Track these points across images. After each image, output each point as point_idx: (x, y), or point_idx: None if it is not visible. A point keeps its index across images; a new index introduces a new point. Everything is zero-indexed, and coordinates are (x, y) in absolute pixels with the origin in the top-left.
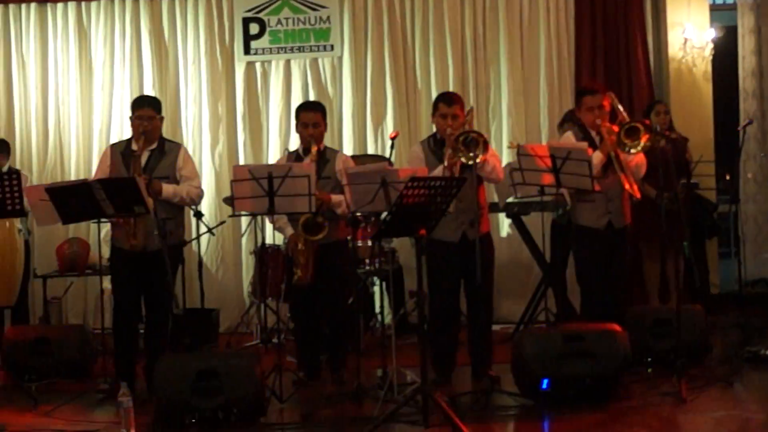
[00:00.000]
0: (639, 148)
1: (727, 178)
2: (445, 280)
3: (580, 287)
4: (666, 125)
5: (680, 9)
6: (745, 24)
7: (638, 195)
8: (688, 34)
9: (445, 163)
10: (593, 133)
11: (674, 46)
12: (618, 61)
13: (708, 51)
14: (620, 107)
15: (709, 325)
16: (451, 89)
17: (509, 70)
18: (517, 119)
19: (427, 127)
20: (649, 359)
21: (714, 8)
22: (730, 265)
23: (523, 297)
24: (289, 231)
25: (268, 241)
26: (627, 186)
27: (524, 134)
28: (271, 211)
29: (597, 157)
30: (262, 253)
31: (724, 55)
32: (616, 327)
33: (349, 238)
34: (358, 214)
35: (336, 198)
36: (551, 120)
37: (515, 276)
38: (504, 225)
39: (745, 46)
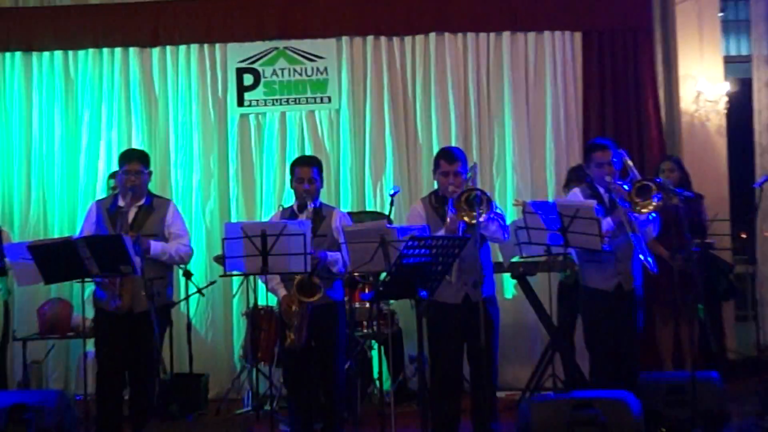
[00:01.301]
0: (651, 207)
1: (743, 236)
2: (447, 344)
3: (588, 352)
4: (675, 183)
5: (693, 61)
6: (760, 77)
7: (655, 270)
8: (701, 87)
9: (447, 222)
10: (602, 191)
11: (687, 100)
12: (628, 115)
13: (722, 104)
14: (631, 165)
15: (726, 393)
16: (453, 143)
17: (515, 123)
18: (522, 176)
19: (429, 182)
20: (663, 429)
21: (728, 60)
22: (747, 329)
23: (529, 362)
24: (283, 292)
25: (261, 302)
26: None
27: (530, 191)
28: (264, 271)
29: (606, 223)
30: (254, 314)
31: (739, 108)
32: (628, 394)
33: (345, 299)
34: (356, 274)
35: (333, 256)
36: (558, 176)
37: (521, 340)
38: (509, 286)
39: (761, 99)
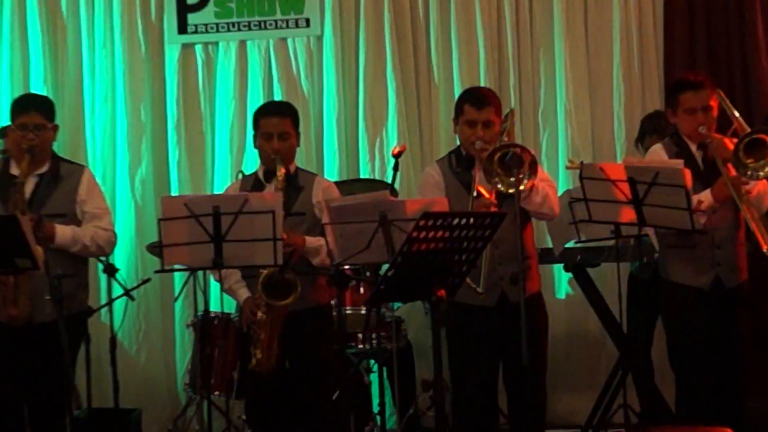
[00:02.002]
0: (767, 171)
1: None
2: (476, 363)
3: (674, 372)
4: None
5: None
6: None
7: (766, 246)
8: None
9: (475, 193)
10: (693, 147)
11: None
12: (728, 40)
13: None
14: (734, 111)
15: None
16: (482, 84)
17: (568, 55)
18: (579, 127)
19: (448, 140)
20: None
21: None
22: None
23: (591, 387)
24: (244, 293)
25: (214, 308)
26: (756, 230)
27: (590, 149)
28: (218, 264)
29: (707, 199)
30: (205, 326)
31: None
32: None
33: (332, 302)
34: (346, 267)
35: (313, 242)
36: (629, 128)
37: (579, 356)
38: (562, 281)
39: None
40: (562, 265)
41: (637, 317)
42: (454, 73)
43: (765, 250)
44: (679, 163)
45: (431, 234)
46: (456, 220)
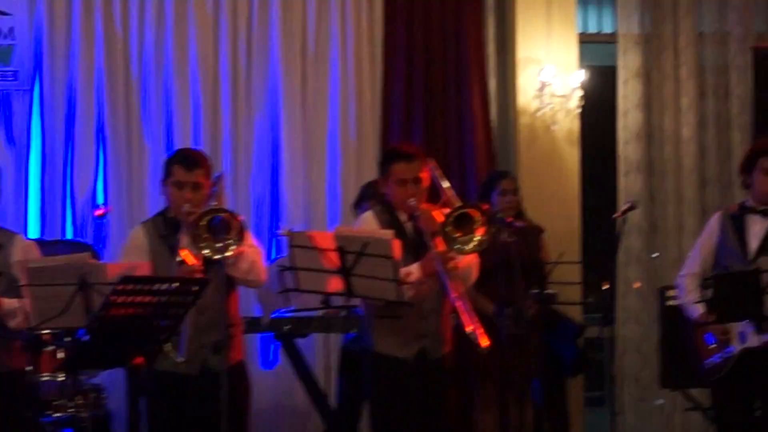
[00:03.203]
0: (473, 244)
1: (605, 288)
2: None
3: None
4: (513, 209)
5: (536, 40)
6: (627, 64)
7: (484, 343)
8: (546, 77)
9: (179, 258)
10: (404, 218)
11: (527, 93)
12: (445, 111)
13: (575, 101)
14: (445, 183)
15: None
16: (196, 146)
17: (285, 119)
18: (293, 192)
19: (157, 202)
20: None
21: (585, 38)
22: (600, 417)
23: None
24: None
25: None
26: (459, 308)
27: (303, 215)
28: None
29: (415, 271)
30: None
31: (599, 107)
32: None
33: (27, 369)
34: (45, 331)
35: (11, 304)
36: (345, 196)
37: (284, 430)
38: (270, 351)
39: (627, 95)
40: (272, 335)
41: (347, 390)
42: (167, 134)
43: (467, 331)
44: (389, 233)
45: (131, 299)
46: (157, 285)
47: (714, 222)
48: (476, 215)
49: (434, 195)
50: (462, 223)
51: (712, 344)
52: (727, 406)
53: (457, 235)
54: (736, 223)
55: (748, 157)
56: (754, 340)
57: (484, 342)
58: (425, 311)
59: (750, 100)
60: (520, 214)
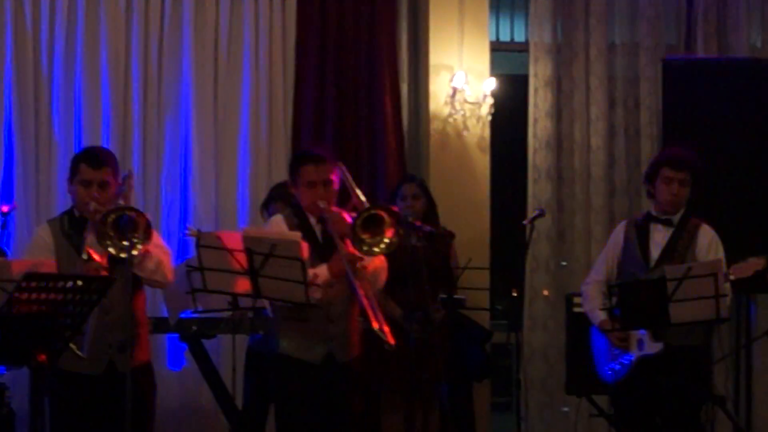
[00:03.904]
0: (382, 247)
1: (514, 294)
2: None
3: None
4: (419, 214)
5: (448, 47)
6: (538, 73)
7: (392, 341)
8: (459, 83)
9: (85, 256)
10: (313, 220)
11: (438, 100)
12: (356, 115)
13: (486, 108)
14: (355, 186)
15: None
16: (105, 144)
17: (195, 119)
18: (203, 193)
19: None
20: None
21: (497, 46)
22: (507, 420)
23: None
24: None
25: None
26: (367, 307)
27: (214, 215)
28: None
29: (323, 273)
30: None
31: (510, 114)
32: None
33: None
34: None
35: None
36: (255, 198)
37: (191, 430)
38: (176, 352)
39: (538, 103)
40: (178, 336)
41: (253, 392)
42: (76, 133)
43: (374, 328)
44: (297, 235)
45: (35, 296)
46: (61, 283)
47: (619, 230)
48: (385, 217)
49: (345, 198)
50: (371, 224)
51: (612, 351)
52: (626, 412)
53: (366, 236)
54: (640, 231)
55: (652, 166)
56: (651, 348)
57: (391, 341)
58: (333, 315)
59: (659, 111)
60: (429, 218)
